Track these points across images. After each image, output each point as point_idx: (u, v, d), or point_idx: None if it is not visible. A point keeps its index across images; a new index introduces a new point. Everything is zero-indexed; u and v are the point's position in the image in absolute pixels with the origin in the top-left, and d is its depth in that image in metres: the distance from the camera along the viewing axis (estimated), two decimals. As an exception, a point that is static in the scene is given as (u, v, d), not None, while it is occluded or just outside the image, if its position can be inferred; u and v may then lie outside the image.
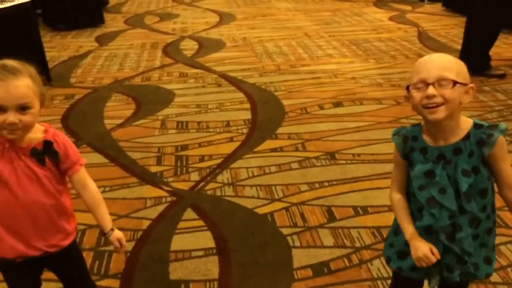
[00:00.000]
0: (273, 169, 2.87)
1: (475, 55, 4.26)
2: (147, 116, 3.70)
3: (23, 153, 1.36)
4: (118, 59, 5.33)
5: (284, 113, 3.65)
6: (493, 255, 1.42)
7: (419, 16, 6.97)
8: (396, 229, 1.48)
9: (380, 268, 2.03)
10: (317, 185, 2.67)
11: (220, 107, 3.81)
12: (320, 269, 2.05)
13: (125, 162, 3.00)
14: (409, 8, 7.54)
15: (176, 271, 2.07)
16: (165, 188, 2.71)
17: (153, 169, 2.92)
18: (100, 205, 1.47)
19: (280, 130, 3.37)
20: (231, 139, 3.26)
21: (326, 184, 2.68)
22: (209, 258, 2.14)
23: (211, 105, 3.87)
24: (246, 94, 4.07)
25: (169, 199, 2.60)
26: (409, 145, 1.37)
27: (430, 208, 1.33)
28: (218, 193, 2.64)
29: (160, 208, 2.51)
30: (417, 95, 1.28)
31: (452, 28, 6.12)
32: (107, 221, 1.46)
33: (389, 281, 1.92)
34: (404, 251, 1.43)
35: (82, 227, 2.29)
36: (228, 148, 3.13)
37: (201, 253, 2.18)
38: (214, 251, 2.19)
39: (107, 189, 2.70)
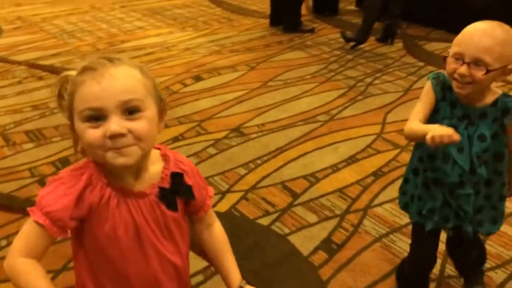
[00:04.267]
0: (193, 160, 2.53)
1: (289, 15, 4.57)
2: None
3: (144, 199, 0.88)
4: None
5: (148, 97, 3.22)
6: (500, 219, 1.48)
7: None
8: (406, 178, 1.52)
9: (373, 226, 2.07)
10: (252, 165, 2.49)
11: (67, 104, 3.09)
12: (329, 247, 1.96)
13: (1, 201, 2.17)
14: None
15: None
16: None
17: (47, 198, 2.20)
18: (229, 251, 1.03)
19: (163, 117, 2.96)
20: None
21: (259, 161, 2.53)
22: (213, 279, 1.79)
23: (52, 104, 3.08)
24: (87, 83, 3.39)
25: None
26: (444, 94, 1.37)
27: (443, 163, 1.37)
28: (155, 203, 2.19)
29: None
30: (451, 65, 1.28)
31: (235, -10, 6.36)
32: (237, 273, 1.02)
33: (384, 231, 2.00)
34: (413, 195, 1.48)
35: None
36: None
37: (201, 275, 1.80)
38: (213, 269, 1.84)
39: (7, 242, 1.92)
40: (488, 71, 1.23)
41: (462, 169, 1.34)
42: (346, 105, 3.16)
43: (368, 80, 3.56)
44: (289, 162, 2.53)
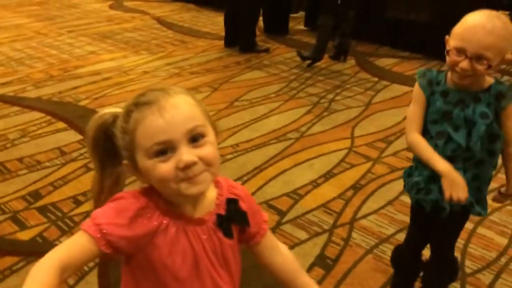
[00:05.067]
0: (172, 185, 2.48)
1: (244, 36, 4.63)
2: None
3: (202, 227, 0.87)
4: None
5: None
6: (485, 203, 1.52)
7: (136, 3, 6.89)
8: (409, 172, 1.57)
9: (362, 238, 2.12)
10: (233, 186, 2.48)
11: (28, 135, 2.92)
12: (324, 262, 1.98)
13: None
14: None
15: None
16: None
17: (24, 236, 2.06)
18: (302, 270, 1.02)
19: (134, 142, 2.89)
20: (87, 167, 2.59)
21: (240, 182, 2.52)
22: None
23: (12, 135, 2.92)
24: (46, 112, 3.23)
25: (90, 264, 1.92)
26: (432, 88, 1.44)
27: (437, 139, 1.43)
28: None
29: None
30: (453, 58, 1.34)
31: (181, 13, 6.35)
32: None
33: (373, 242, 2.06)
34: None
35: None
36: (97, 179, 2.49)
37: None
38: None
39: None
40: (489, 66, 1.29)
41: (457, 145, 1.40)
42: (313, 121, 3.23)
43: (330, 96, 3.67)
44: (269, 180, 2.55)
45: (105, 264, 1.90)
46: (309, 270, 1.93)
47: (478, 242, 2.13)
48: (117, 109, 0.88)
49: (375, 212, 2.31)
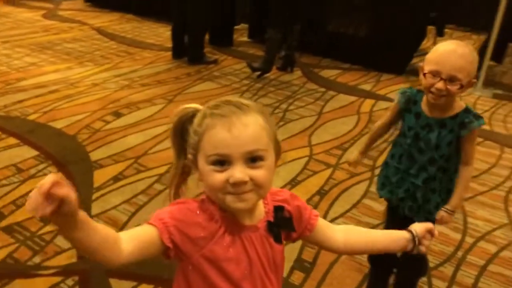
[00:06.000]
0: (142, 198, 2.45)
1: (193, 47, 4.66)
2: None
3: (255, 234, 0.91)
4: None
5: (73, 137, 3.02)
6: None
7: (72, 13, 6.68)
8: (386, 162, 1.75)
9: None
10: (204, 197, 2.50)
11: (-23, 151, 2.76)
12: (303, 266, 2.06)
13: None
14: (49, 5, 7.07)
15: None
16: (46, 272, 1.90)
17: (-8, 258, 1.95)
18: (367, 230, 1.10)
19: (95, 156, 2.81)
20: (49, 184, 2.49)
21: (210, 192, 2.55)
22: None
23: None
24: (-6, 126, 3.06)
25: (69, 282, 1.86)
26: (408, 106, 1.64)
27: (410, 162, 1.64)
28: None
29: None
30: (429, 80, 1.51)
31: (122, 23, 6.24)
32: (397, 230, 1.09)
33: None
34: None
35: None
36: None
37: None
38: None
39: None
40: (461, 86, 1.47)
41: (422, 165, 1.60)
42: (271, 131, 3.32)
43: (284, 106, 3.79)
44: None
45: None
46: (289, 274, 2.00)
47: (436, 239, 2.32)
48: (199, 107, 0.91)
49: (342, 215, 2.44)
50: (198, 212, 0.88)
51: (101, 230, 0.77)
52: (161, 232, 0.84)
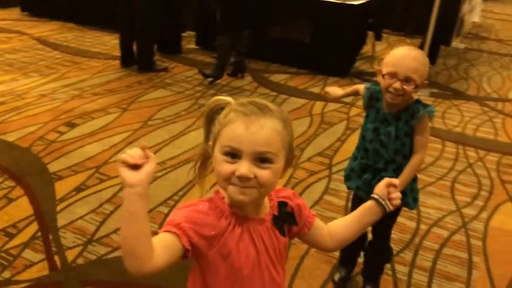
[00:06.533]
0: (108, 206, 2.43)
1: (142, 55, 4.63)
2: None
3: (262, 226, 0.99)
4: None
5: (27, 149, 2.93)
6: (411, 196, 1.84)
7: (8, 22, 6.39)
8: (354, 156, 1.90)
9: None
10: (171, 202, 2.52)
11: None
12: (275, 261, 2.14)
13: None
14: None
15: None
16: (17, 287, 1.84)
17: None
18: (350, 215, 1.15)
19: (53, 168, 2.74)
20: (8, 198, 2.41)
21: (176, 197, 2.57)
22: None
23: None
24: None
25: (43, 295, 1.82)
26: (371, 103, 1.80)
27: (375, 156, 1.79)
28: (94, 257, 2.06)
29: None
30: (387, 81, 1.66)
31: (63, 33, 6.06)
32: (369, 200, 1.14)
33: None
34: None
35: None
36: (25, 209, 2.34)
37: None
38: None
39: None
40: (416, 86, 1.62)
41: (386, 159, 1.75)
42: (230, 135, 3.39)
43: (239, 111, 3.86)
44: (206, 192, 2.63)
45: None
46: (264, 270, 2.08)
47: (395, 228, 2.48)
48: (231, 100, 0.97)
49: (306, 212, 2.54)
50: (208, 212, 0.94)
51: (148, 221, 0.82)
52: (181, 237, 0.88)
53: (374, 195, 1.09)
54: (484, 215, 2.69)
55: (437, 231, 2.50)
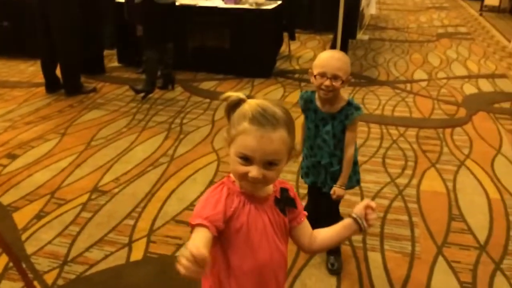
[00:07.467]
0: (73, 228, 2.46)
1: (69, 79, 4.59)
2: None
3: (266, 204, 1.17)
4: None
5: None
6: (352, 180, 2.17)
7: None
8: (305, 155, 2.18)
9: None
10: (135, 214, 2.60)
11: None
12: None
13: None
14: None
15: None
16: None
17: None
18: (330, 228, 1.26)
19: (6, 200, 2.70)
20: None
21: (139, 209, 2.66)
22: None
23: None
24: None
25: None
26: (307, 105, 2.09)
27: (319, 151, 2.10)
28: (74, 276, 2.11)
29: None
30: (318, 80, 1.96)
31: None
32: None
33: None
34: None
35: None
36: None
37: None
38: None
39: None
40: (342, 82, 1.92)
41: (329, 152, 2.04)
42: (175, 144, 3.52)
43: (178, 121, 3.99)
44: (165, 201, 2.76)
45: None
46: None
47: (343, 203, 2.76)
48: (244, 97, 1.11)
49: (263, 203, 2.76)
50: (225, 196, 1.12)
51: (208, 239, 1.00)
52: (210, 227, 1.05)
53: (353, 215, 1.23)
54: (414, 181, 3.07)
55: (378, 201, 2.83)
